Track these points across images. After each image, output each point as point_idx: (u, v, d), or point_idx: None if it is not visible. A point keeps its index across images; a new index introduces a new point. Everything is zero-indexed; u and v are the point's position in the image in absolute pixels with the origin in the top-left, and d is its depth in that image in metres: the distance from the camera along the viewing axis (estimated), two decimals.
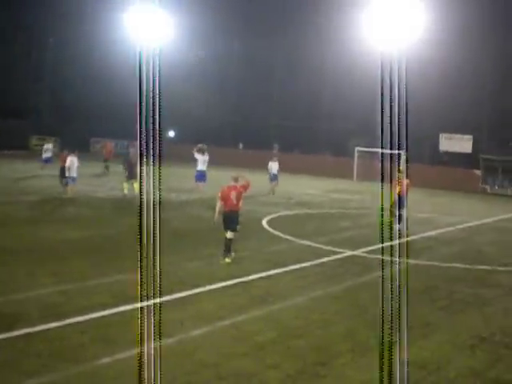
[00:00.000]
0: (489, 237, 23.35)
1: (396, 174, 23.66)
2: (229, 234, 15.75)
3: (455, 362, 9.66)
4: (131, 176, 26.63)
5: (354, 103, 48.72)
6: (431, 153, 52.07)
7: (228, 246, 15.69)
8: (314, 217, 25.53)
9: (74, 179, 26.26)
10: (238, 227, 16.01)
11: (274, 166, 34.00)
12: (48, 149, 36.63)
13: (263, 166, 52.82)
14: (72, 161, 26.30)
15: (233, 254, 15.80)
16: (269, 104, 58.87)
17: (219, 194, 15.92)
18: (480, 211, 32.22)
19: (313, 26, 52.39)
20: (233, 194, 15.86)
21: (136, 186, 26.48)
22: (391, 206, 22.19)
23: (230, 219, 15.81)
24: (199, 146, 30.41)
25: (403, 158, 43.85)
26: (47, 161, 35.49)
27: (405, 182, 23.27)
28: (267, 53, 57.39)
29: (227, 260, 15.53)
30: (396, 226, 21.49)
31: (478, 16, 45.42)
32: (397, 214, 22.03)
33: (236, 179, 16.33)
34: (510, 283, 15.44)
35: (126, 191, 26.91)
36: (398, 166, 24.41)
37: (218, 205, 15.87)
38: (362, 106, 44.11)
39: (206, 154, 29.99)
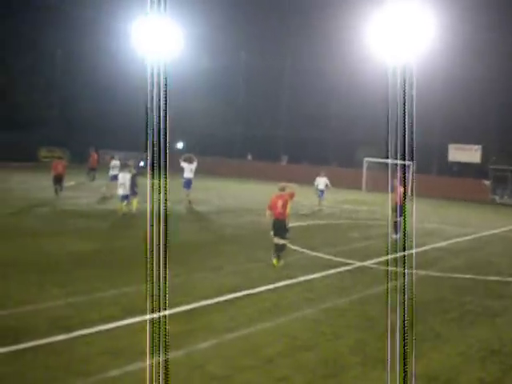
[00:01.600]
0: (499, 247, 23.23)
1: (394, 183, 23.82)
2: (276, 240, 16.88)
3: (466, 373, 9.55)
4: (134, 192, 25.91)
5: (362, 114, 48.82)
6: (440, 163, 52.04)
7: (279, 250, 16.83)
8: (323, 228, 25.45)
9: (127, 196, 24.88)
10: (288, 234, 17.08)
11: (321, 182, 32.74)
12: (115, 166, 33.12)
13: (271, 177, 53.00)
14: (124, 177, 24.91)
15: (282, 261, 16.76)
16: (277, 115, 59.02)
17: (268, 205, 17.31)
18: (489, 222, 32.09)
19: (322, 37, 52.51)
20: (279, 203, 16.91)
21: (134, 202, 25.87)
22: (392, 214, 22.50)
23: (277, 226, 16.92)
24: (186, 155, 31.43)
25: (411, 168, 43.93)
26: (114, 178, 31.54)
27: (400, 190, 23.30)
28: (275, 64, 57.62)
29: (275, 262, 16.70)
30: (394, 236, 21.46)
31: (489, 27, 45.44)
32: (397, 223, 22.19)
33: (282, 188, 17.31)
34: None
35: (129, 208, 25.57)
36: (397, 176, 24.52)
37: (268, 212, 17.40)
38: (371, 117, 44.13)
39: (194, 162, 30.45)
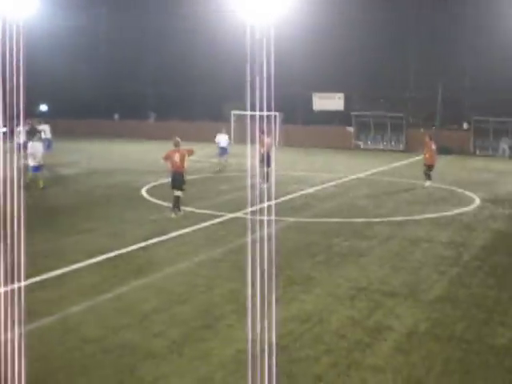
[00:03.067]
0: (363, 191, 24.09)
1: (260, 134, 24.32)
2: (176, 193, 17.80)
3: (336, 313, 9.95)
4: None
5: (227, 67, 48.70)
6: (305, 112, 52.98)
7: (176, 203, 17.71)
8: (193, 182, 25.41)
9: (38, 168, 22.60)
10: (184, 186, 17.99)
11: (222, 139, 31.20)
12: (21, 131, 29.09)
13: (140, 135, 52.27)
14: (34, 146, 22.73)
15: (181, 212, 17.72)
16: (143, 72, 57.94)
17: (163, 155, 18.35)
18: (354, 167, 33.20)
19: None
20: (176, 156, 17.86)
21: None
22: (260, 165, 23.04)
23: (176, 179, 17.86)
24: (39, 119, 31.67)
25: (277, 119, 44.56)
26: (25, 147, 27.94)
27: (267, 140, 23.76)
28: (138, 19, 56.35)
29: (173, 216, 17.49)
30: (263, 186, 21.84)
31: None
32: (264, 173, 22.66)
33: (177, 143, 18.15)
34: (384, 233, 16.03)
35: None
36: (262, 127, 24.93)
37: (163, 162, 18.61)
38: (236, 70, 44.21)
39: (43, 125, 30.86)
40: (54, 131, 30.92)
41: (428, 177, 25.63)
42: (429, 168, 25.72)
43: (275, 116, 45.29)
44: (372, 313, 9.99)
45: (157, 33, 56.65)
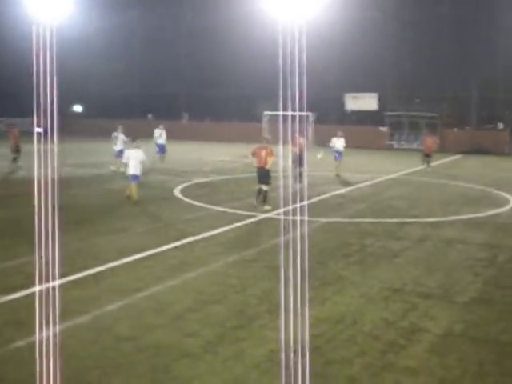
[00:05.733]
0: (397, 191, 23.97)
1: (293, 134, 24.11)
2: (263, 187, 18.81)
3: (370, 314, 9.89)
4: None
5: (259, 69, 48.75)
6: (338, 113, 52.88)
7: (263, 197, 18.71)
8: (226, 183, 25.55)
9: (137, 177, 20.43)
10: (270, 181, 18.96)
11: (338, 143, 29.45)
12: (117, 138, 29.14)
13: (172, 136, 52.45)
14: (131, 154, 20.40)
15: (267, 207, 18.47)
16: (177, 73, 58.26)
17: (251, 151, 19.45)
18: (388, 167, 33.03)
19: None
20: (263, 153, 18.87)
21: None
22: (292, 165, 22.84)
23: (261, 174, 18.96)
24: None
25: (310, 119, 44.43)
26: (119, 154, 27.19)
27: (300, 141, 23.60)
28: (170, 21, 56.69)
29: (266, 207, 18.48)
30: (297, 186, 21.79)
31: None
32: (297, 173, 22.49)
33: (267, 141, 19.51)
34: (418, 234, 15.91)
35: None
36: (295, 128, 24.80)
37: (250, 158, 19.81)
38: (267, 72, 44.25)
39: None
40: (97, 132, 30.75)
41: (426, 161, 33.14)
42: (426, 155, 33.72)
43: (308, 116, 45.20)
44: (406, 314, 9.91)
45: (190, 33, 56.96)
